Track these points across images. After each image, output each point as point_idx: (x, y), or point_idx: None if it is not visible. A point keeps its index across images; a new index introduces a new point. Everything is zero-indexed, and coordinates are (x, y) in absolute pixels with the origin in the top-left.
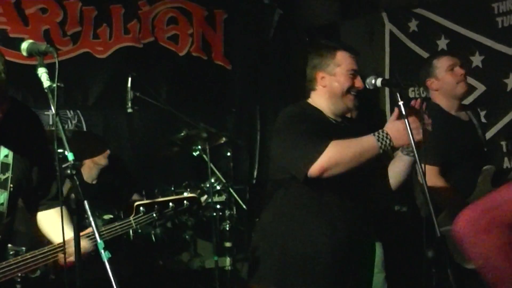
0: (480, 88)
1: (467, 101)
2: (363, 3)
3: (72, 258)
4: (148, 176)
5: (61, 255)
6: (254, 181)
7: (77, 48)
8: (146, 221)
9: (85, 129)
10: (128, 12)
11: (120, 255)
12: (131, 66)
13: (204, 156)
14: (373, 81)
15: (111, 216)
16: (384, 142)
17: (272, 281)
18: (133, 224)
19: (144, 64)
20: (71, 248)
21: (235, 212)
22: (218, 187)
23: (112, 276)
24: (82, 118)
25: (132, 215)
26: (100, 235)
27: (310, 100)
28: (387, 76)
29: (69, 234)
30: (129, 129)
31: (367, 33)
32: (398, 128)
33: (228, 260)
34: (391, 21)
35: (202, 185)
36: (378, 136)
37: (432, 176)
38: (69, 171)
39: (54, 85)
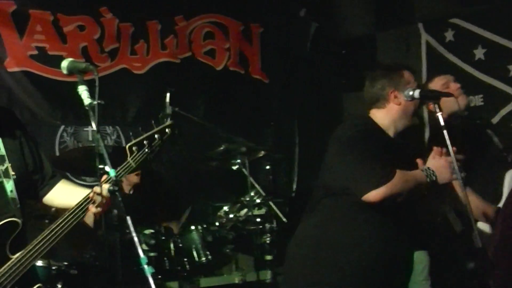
0: None
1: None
2: (399, 14)
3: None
4: (187, 191)
5: (91, 208)
6: (293, 194)
7: (114, 64)
8: (142, 157)
9: (124, 145)
10: (165, 27)
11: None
12: (169, 82)
13: (244, 170)
14: (410, 93)
15: (152, 231)
16: (431, 178)
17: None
18: (132, 164)
19: (181, 79)
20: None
21: (275, 225)
22: (258, 201)
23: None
24: (121, 134)
25: (129, 157)
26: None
27: (372, 116)
28: None
29: (85, 192)
30: (167, 144)
31: (403, 44)
32: (441, 165)
33: (269, 273)
34: (427, 32)
35: (242, 198)
36: (427, 173)
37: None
38: (111, 188)
39: (95, 102)
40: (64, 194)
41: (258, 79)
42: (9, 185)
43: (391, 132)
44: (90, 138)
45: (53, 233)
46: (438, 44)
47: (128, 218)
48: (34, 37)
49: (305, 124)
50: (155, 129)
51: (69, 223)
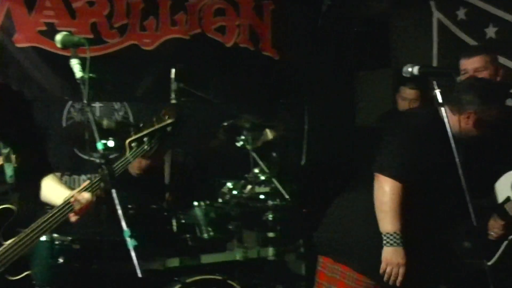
0: None
1: None
2: None
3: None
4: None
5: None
6: (300, 172)
7: (124, 40)
8: (140, 153)
9: (132, 121)
10: (175, 3)
11: (166, 249)
12: (178, 58)
13: (248, 146)
14: (409, 69)
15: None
16: (387, 241)
17: (357, 262)
18: (131, 159)
19: (191, 55)
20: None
21: (279, 203)
22: (262, 178)
23: (137, 264)
24: (129, 110)
25: (127, 152)
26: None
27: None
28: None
29: (67, 193)
30: (176, 120)
31: (416, 22)
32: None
33: (271, 250)
34: (439, 10)
35: (246, 175)
36: (388, 238)
37: None
38: (97, 160)
39: (86, 76)
40: (47, 191)
41: (268, 56)
42: (9, 170)
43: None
44: (98, 114)
45: (40, 227)
46: (449, 22)
47: (113, 191)
48: (43, 13)
49: (315, 102)
50: (156, 126)
51: (50, 224)
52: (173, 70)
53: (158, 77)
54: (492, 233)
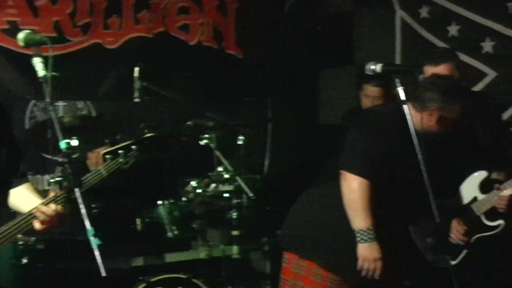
0: (491, 74)
1: (478, 87)
2: None
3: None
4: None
5: (35, 222)
6: (264, 171)
7: (87, 39)
8: (114, 167)
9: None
10: (139, 2)
11: (131, 248)
12: (142, 57)
13: (212, 145)
14: (372, 67)
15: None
16: (362, 238)
17: (323, 258)
18: (103, 172)
19: (155, 54)
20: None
21: (243, 201)
22: (226, 176)
23: (101, 263)
24: (92, 109)
25: (101, 165)
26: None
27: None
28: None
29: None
30: (140, 119)
31: (379, 20)
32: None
33: (235, 248)
34: (402, 8)
35: (210, 174)
36: (361, 234)
37: None
38: (60, 159)
39: (49, 75)
40: (18, 198)
41: (232, 54)
42: None
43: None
44: (61, 113)
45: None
46: (412, 20)
47: (76, 190)
48: (5, 11)
49: (279, 100)
50: (133, 140)
51: (11, 233)
52: (136, 69)
53: (121, 75)
54: (453, 235)
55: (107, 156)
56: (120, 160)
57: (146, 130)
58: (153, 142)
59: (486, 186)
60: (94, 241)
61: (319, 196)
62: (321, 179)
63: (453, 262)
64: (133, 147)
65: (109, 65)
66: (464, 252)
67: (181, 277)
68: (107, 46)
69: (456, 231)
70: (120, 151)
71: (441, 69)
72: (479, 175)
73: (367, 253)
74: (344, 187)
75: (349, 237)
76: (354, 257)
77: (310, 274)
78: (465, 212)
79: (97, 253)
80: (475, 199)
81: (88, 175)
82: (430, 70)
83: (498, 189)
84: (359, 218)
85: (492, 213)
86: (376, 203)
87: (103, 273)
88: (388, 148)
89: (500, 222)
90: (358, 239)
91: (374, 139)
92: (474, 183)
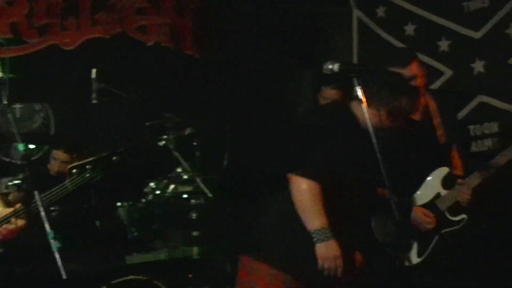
0: (447, 72)
1: (435, 86)
2: None
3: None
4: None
5: None
6: (223, 171)
7: (44, 40)
8: (81, 182)
9: (52, 122)
10: (96, 3)
11: (91, 250)
12: (100, 58)
13: (171, 146)
14: (330, 66)
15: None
16: (318, 238)
17: (276, 259)
18: (69, 187)
19: (112, 55)
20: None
21: (202, 202)
22: (185, 177)
23: (62, 266)
24: (50, 111)
25: (67, 179)
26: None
27: (353, 106)
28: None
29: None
30: (99, 121)
31: (336, 20)
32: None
33: (196, 249)
34: (358, 8)
35: (169, 175)
36: (317, 234)
37: None
38: (19, 162)
39: (6, 76)
40: None
41: (189, 55)
42: None
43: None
44: (18, 115)
45: None
46: (369, 20)
47: (36, 193)
48: None
49: (238, 100)
50: (101, 155)
51: None
52: (94, 70)
53: (79, 77)
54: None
55: (74, 171)
56: (87, 175)
57: (118, 144)
58: (122, 157)
59: (448, 182)
60: (54, 244)
61: (270, 198)
62: (274, 181)
63: (418, 259)
64: (101, 162)
65: (67, 67)
66: (430, 248)
67: (142, 279)
68: (64, 48)
69: (424, 221)
70: (87, 166)
71: (410, 69)
72: (441, 172)
73: (325, 252)
74: (293, 190)
75: (303, 238)
76: (309, 257)
77: (264, 275)
78: (430, 208)
79: (57, 255)
80: (438, 195)
81: (53, 189)
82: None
83: (461, 184)
84: (312, 219)
85: (455, 208)
86: (331, 203)
87: (64, 276)
88: (336, 147)
89: (463, 216)
90: (314, 239)
91: (322, 139)
92: (436, 179)
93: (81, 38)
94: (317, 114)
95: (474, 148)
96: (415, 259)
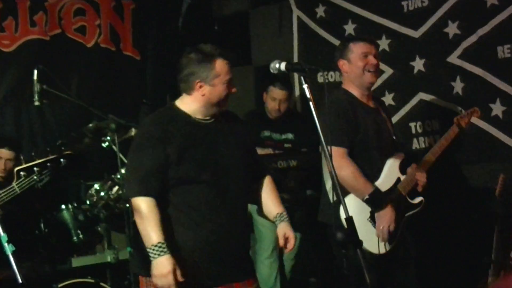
0: (388, 71)
1: (376, 84)
2: None
3: None
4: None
5: None
6: None
7: None
8: (28, 184)
9: None
10: (34, 4)
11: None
12: (39, 59)
13: (114, 147)
14: (277, 65)
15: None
16: (154, 253)
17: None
18: (17, 189)
19: (52, 56)
20: None
21: None
22: None
23: (17, 269)
24: None
25: (14, 181)
26: None
27: (179, 103)
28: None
29: None
30: (40, 123)
31: (276, 20)
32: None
33: None
34: (298, 7)
35: (113, 176)
36: (153, 250)
37: (338, 157)
38: None
39: None
40: None
41: (129, 56)
42: None
43: (201, 116)
44: None
45: None
46: (309, 20)
47: None
48: None
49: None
50: (49, 157)
51: None
52: (35, 71)
53: (19, 79)
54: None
55: (22, 173)
56: (35, 177)
57: (63, 148)
58: (70, 160)
59: (405, 167)
60: (8, 248)
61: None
62: None
63: (381, 251)
64: (49, 164)
65: (6, 69)
66: (398, 233)
67: (88, 282)
68: (3, 49)
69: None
70: (35, 169)
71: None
72: (397, 157)
73: (156, 269)
74: (134, 214)
75: (184, 251)
76: (195, 268)
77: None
78: (393, 193)
79: (11, 258)
80: (398, 180)
81: (0, 192)
82: (361, 47)
83: (415, 167)
84: (146, 238)
85: (412, 192)
86: (186, 206)
87: (19, 280)
88: (166, 155)
89: (421, 198)
90: (150, 257)
91: (143, 156)
92: (394, 165)
93: (20, 39)
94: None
95: (415, 145)
96: (386, 246)
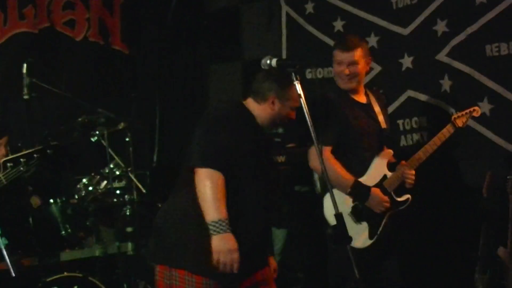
0: (376, 68)
1: (364, 80)
2: None
3: None
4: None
5: None
6: (154, 166)
7: None
8: (15, 175)
9: None
10: None
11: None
12: (28, 52)
13: (103, 141)
14: (268, 61)
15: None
16: (214, 229)
17: (191, 264)
18: (3, 180)
19: (41, 50)
20: None
21: (135, 197)
22: (117, 172)
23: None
24: None
25: (1, 172)
26: None
27: (247, 103)
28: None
29: None
30: (28, 116)
31: (265, 16)
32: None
33: (130, 245)
34: (287, 3)
35: (102, 170)
36: (215, 226)
37: (323, 156)
38: None
39: None
40: None
41: (118, 50)
42: None
43: (261, 124)
44: None
45: None
46: (298, 16)
47: None
48: None
49: (167, 95)
50: (35, 148)
51: None
52: (24, 65)
53: (8, 72)
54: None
55: (8, 164)
56: (21, 168)
57: (49, 139)
58: (56, 151)
59: (393, 164)
60: (1, 241)
61: (176, 202)
62: (178, 184)
63: (370, 241)
64: (35, 155)
65: None
66: (380, 229)
67: (77, 276)
68: None
69: (383, 200)
70: (21, 159)
71: (350, 55)
72: (385, 154)
73: (220, 245)
74: (197, 183)
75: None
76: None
77: (183, 282)
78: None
79: (4, 252)
80: (385, 177)
81: None
82: (339, 54)
83: (404, 164)
84: (211, 210)
85: (399, 189)
86: (235, 196)
87: (13, 274)
88: (233, 140)
89: (408, 196)
90: (211, 231)
91: (218, 131)
92: (382, 162)
93: (9, 32)
94: (214, 111)
95: (403, 142)
96: (367, 241)
